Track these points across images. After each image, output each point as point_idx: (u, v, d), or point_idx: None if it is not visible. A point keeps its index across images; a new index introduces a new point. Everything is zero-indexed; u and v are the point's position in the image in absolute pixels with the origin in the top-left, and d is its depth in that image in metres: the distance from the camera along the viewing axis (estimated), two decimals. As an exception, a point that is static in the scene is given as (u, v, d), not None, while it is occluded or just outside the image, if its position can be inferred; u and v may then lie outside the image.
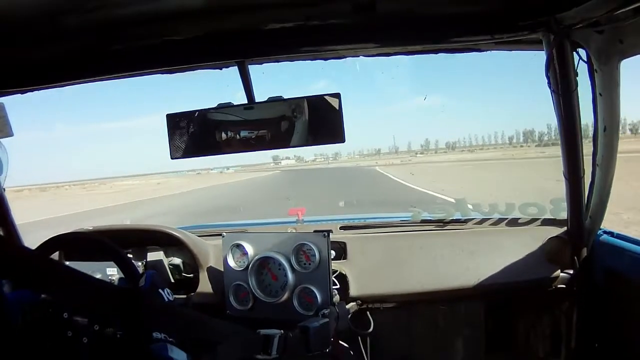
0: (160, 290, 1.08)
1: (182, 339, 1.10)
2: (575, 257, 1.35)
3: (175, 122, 1.16)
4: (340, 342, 1.38)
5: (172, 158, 1.16)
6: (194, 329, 1.02)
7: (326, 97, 1.08)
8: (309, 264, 1.33)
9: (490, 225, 1.58)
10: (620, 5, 0.88)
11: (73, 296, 0.85)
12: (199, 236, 1.57)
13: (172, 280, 1.52)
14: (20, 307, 0.98)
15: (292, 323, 1.14)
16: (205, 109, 1.16)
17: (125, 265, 1.08)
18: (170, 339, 1.04)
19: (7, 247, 0.77)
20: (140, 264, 1.48)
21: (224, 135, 1.14)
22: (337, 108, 1.07)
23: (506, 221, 1.57)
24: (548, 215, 1.53)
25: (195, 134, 1.16)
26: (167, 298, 1.09)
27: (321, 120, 1.09)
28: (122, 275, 1.11)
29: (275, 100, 1.13)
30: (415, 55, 1.25)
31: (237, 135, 1.13)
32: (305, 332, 1.10)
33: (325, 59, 1.24)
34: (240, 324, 1.09)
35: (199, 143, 1.16)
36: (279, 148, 1.12)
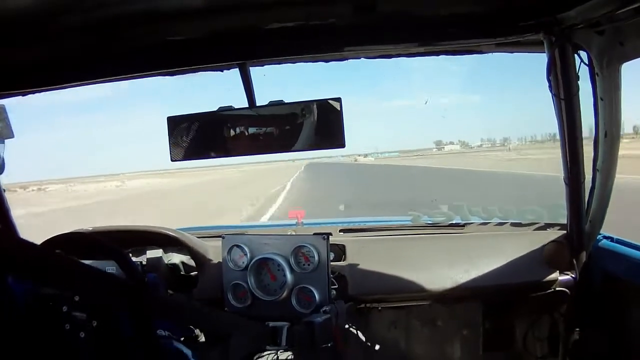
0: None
1: (189, 329, 1.11)
2: (575, 261, 1.35)
3: (177, 124, 1.16)
4: (340, 338, 1.39)
5: (172, 160, 1.17)
6: (200, 320, 1.03)
7: (327, 101, 1.08)
8: (308, 265, 1.34)
9: (489, 229, 1.58)
10: (621, 5, 0.88)
11: (78, 287, 0.85)
12: (198, 238, 1.57)
13: (171, 280, 1.52)
14: (24, 297, 1.00)
15: (291, 320, 1.16)
16: (207, 112, 1.16)
17: (126, 264, 1.09)
18: (175, 337, 1.05)
19: (8, 240, 0.77)
20: (139, 262, 1.49)
21: (228, 139, 1.14)
22: (338, 112, 1.08)
23: (506, 225, 1.57)
24: (547, 220, 1.53)
25: (197, 136, 1.16)
26: None
27: (322, 124, 1.09)
28: (122, 274, 1.11)
29: (276, 104, 1.13)
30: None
31: (241, 139, 1.14)
32: (310, 326, 1.12)
33: (327, 61, 1.24)
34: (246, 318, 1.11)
35: (201, 146, 1.17)
36: (283, 152, 1.13)
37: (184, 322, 1.06)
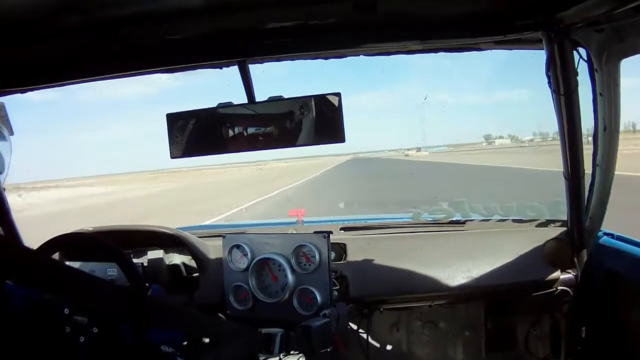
0: None
1: (186, 337, 1.11)
2: (575, 259, 1.35)
3: (176, 121, 1.16)
4: (341, 342, 1.38)
5: (172, 157, 1.16)
6: (198, 327, 1.02)
7: (327, 96, 1.08)
8: (309, 265, 1.33)
9: (490, 226, 1.58)
10: (620, 4, 0.88)
11: (77, 296, 0.85)
12: (199, 237, 1.57)
13: (172, 282, 1.51)
14: (25, 299, 1.00)
15: (293, 323, 1.14)
16: (206, 108, 1.16)
17: (126, 266, 1.08)
18: (178, 353, 1.04)
19: (9, 248, 0.77)
20: (140, 263, 1.48)
21: (228, 135, 1.14)
22: (338, 107, 1.08)
23: (507, 222, 1.57)
24: (547, 217, 1.52)
25: (197, 133, 1.16)
26: None
27: (322, 120, 1.09)
28: (123, 276, 1.11)
29: (275, 100, 1.13)
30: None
31: (241, 135, 1.14)
32: (307, 331, 1.10)
33: (326, 58, 1.25)
34: (242, 324, 1.09)
35: (201, 142, 1.17)
36: (283, 147, 1.13)
37: (180, 328, 1.05)
